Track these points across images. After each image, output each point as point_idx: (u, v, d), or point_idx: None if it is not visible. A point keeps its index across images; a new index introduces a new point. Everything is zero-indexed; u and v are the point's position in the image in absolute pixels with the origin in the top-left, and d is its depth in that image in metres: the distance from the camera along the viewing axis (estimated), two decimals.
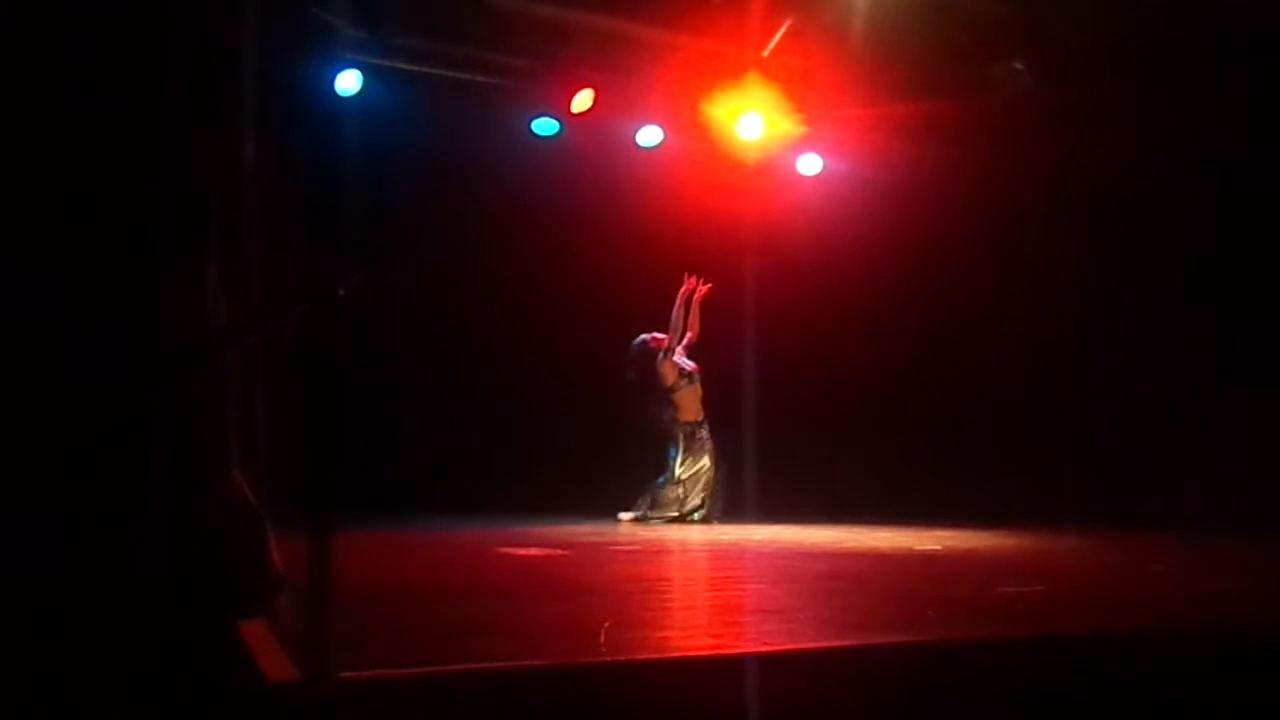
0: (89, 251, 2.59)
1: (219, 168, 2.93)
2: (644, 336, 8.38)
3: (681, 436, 8.22)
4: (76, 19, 2.58)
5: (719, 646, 2.82)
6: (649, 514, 8.07)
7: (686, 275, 8.28)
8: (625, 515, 8.08)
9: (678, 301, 8.26)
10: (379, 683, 2.27)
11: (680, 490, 8.12)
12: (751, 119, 8.46)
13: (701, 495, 8.12)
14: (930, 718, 2.62)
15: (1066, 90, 7.46)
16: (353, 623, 2.62)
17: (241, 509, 2.75)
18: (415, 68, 7.74)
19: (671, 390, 8.26)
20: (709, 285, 8.34)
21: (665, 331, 8.29)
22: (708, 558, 5.76)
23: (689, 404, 8.28)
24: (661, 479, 8.19)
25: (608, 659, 2.57)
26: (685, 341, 8.38)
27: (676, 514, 8.05)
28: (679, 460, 8.18)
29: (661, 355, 8.26)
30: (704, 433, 8.26)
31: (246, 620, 2.62)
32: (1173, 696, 2.80)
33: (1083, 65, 7.28)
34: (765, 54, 8.26)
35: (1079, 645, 2.91)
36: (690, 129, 8.55)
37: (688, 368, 8.31)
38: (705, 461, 8.18)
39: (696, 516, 8.06)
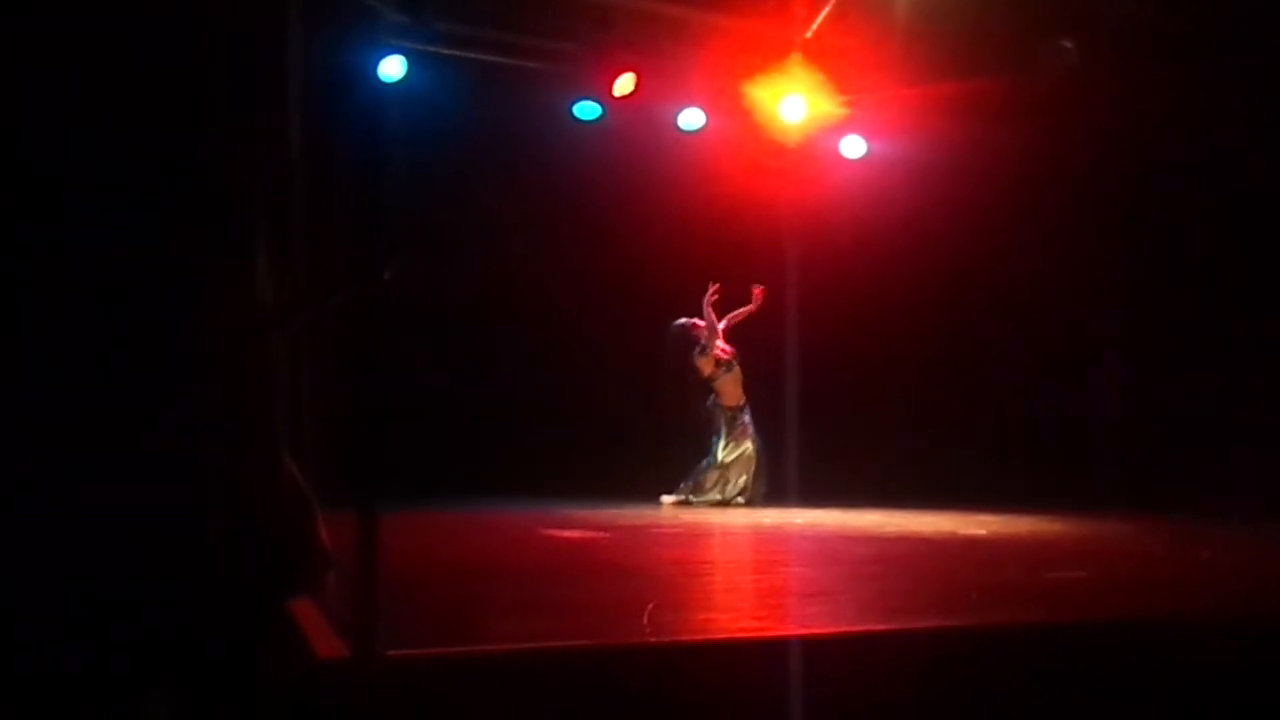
0: (138, 239, 2.63)
1: (265, 154, 2.96)
2: (683, 320, 8.40)
3: (723, 422, 8.24)
4: (136, 20, 2.61)
5: (761, 629, 2.83)
6: (691, 497, 8.10)
7: (711, 283, 8.26)
8: (667, 498, 8.11)
9: (705, 305, 8.26)
10: (426, 660, 2.31)
11: (722, 474, 8.14)
12: (794, 101, 8.39)
13: (744, 479, 8.13)
14: (973, 702, 2.61)
15: (1113, 69, 7.33)
16: (400, 602, 2.66)
17: (290, 490, 2.79)
18: (458, 53, 7.77)
19: (711, 379, 8.29)
20: (762, 289, 8.31)
21: (703, 317, 8.31)
22: (750, 541, 5.77)
23: (729, 390, 8.29)
24: (705, 462, 8.21)
25: (651, 640, 2.59)
26: (746, 312, 8.36)
27: (719, 497, 8.07)
28: (721, 445, 8.19)
29: (696, 351, 8.27)
30: (745, 417, 8.26)
31: (296, 599, 2.66)
32: (1222, 682, 2.77)
33: (1130, 44, 7.16)
34: (808, 35, 8.18)
35: (1125, 630, 2.89)
36: (732, 112, 8.49)
37: (724, 355, 8.31)
38: (748, 445, 8.19)
39: (740, 500, 8.07)
